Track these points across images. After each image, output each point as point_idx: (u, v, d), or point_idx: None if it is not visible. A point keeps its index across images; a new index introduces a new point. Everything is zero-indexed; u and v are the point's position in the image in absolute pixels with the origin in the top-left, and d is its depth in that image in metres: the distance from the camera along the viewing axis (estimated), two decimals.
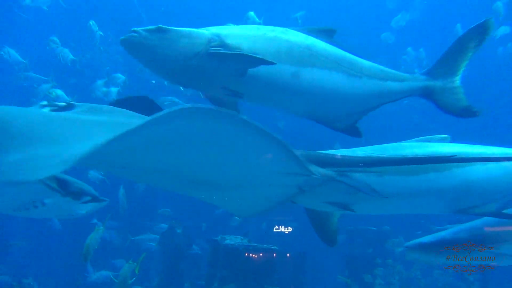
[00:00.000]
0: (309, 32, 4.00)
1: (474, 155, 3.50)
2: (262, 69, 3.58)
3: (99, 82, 11.47)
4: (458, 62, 3.98)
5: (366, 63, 4.10)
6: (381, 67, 4.14)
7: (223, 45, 3.54)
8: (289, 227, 10.23)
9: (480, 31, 3.82)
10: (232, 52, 3.50)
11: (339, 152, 3.25)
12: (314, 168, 2.68)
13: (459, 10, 13.07)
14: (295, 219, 10.75)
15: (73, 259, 10.28)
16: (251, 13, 11.17)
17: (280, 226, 10.19)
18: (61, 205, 4.11)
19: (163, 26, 3.51)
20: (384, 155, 3.31)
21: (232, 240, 9.31)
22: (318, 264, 10.55)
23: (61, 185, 3.81)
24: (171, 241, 10.28)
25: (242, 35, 3.69)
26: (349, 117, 4.14)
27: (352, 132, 4.22)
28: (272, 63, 3.49)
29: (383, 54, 12.41)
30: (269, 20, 10.78)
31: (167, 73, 3.71)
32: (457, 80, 4.02)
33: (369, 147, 3.56)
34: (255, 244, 9.04)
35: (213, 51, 3.49)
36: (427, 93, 4.11)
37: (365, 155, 3.35)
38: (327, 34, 4.04)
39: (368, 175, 3.18)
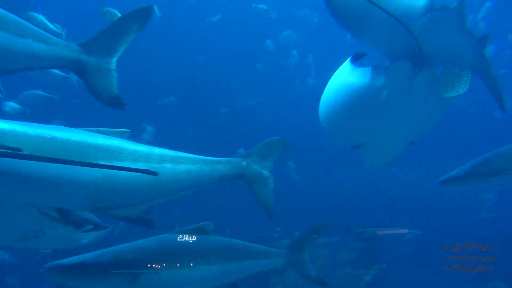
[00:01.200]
0: None
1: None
2: None
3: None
4: (117, 42, 3.57)
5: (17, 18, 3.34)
6: (29, 24, 3.40)
7: None
8: None
9: (143, 15, 3.57)
10: None
11: None
12: None
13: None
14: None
15: None
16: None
17: None
18: (63, 235, 4.02)
19: None
20: None
21: None
22: None
23: (62, 214, 3.61)
24: None
25: None
26: None
27: None
28: None
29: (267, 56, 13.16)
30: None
31: None
32: (113, 63, 3.59)
33: (39, 125, 3.31)
34: None
35: None
36: (79, 69, 3.52)
37: None
38: None
39: None
